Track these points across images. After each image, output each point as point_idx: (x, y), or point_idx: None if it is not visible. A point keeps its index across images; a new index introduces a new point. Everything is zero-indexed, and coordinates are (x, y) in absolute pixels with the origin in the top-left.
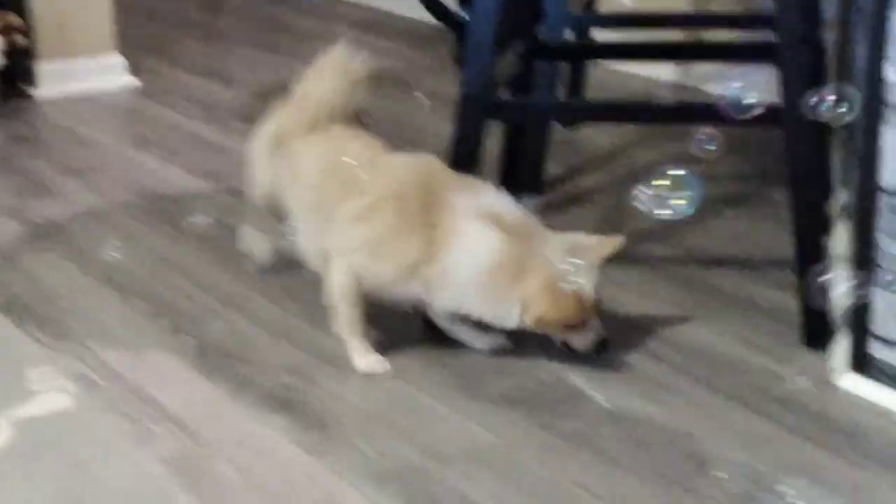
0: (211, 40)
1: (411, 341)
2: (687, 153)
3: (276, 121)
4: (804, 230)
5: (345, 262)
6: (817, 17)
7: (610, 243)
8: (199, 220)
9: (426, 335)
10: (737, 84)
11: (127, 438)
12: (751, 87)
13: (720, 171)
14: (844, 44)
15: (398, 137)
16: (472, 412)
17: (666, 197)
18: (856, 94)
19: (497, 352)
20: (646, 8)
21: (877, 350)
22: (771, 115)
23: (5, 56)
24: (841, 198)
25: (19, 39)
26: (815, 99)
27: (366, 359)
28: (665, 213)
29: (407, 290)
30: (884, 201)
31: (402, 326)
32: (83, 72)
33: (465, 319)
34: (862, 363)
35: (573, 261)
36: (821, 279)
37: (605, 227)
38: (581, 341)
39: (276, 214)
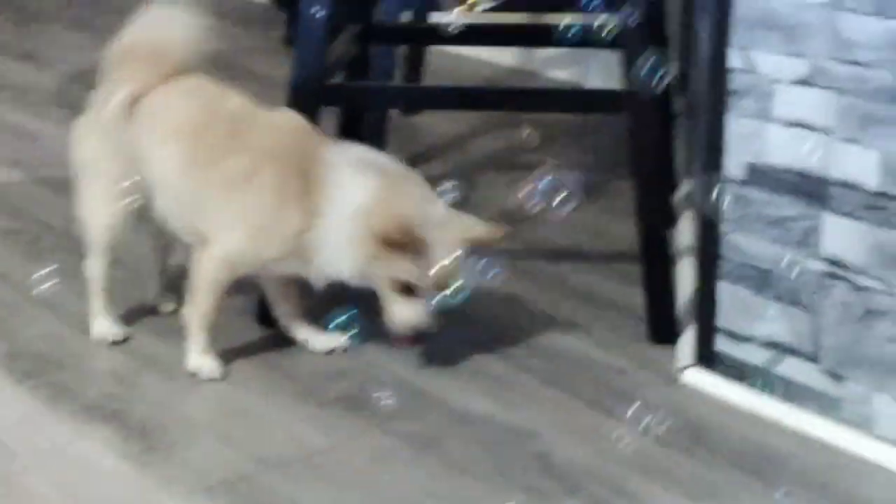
0: (21, 19)
1: (242, 341)
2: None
3: (126, 85)
4: (649, 221)
5: (222, 249)
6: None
7: (489, 229)
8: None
9: (258, 334)
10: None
11: None
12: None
13: (563, 162)
14: (687, 29)
15: None
16: (306, 416)
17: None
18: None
19: (335, 351)
20: None
21: (722, 344)
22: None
23: None
24: (685, 187)
25: None
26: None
27: (201, 359)
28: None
29: (287, 266)
30: (727, 190)
31: (233, 324)
32: None
33: (301, 318)
34: (708, 358)
35: (441, 214)
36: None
37: None
38: (407, 311)
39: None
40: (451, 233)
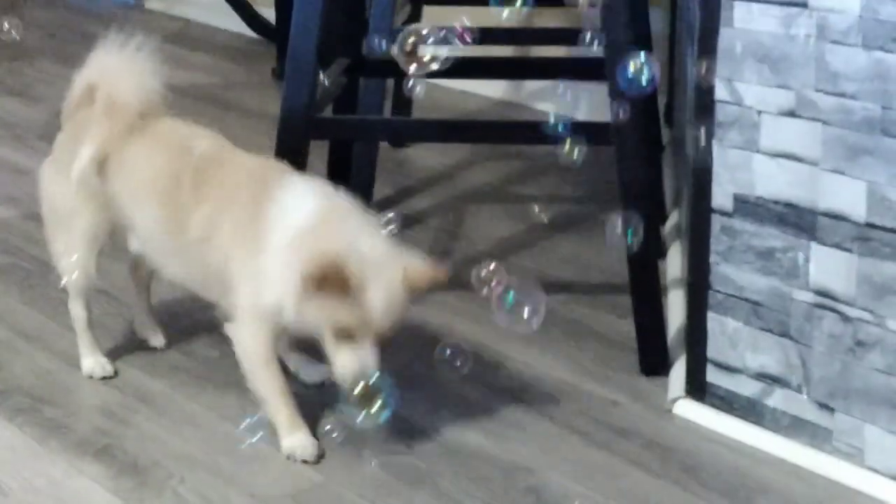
0: (9, 54)
1: (230, 373)
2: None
3: (90, 141)
4: (638, 253)
5: (241, 313)
6: (646, 31)
7: (430, 272)
8: None
9: None
10: None
11: None
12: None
13: (549, 193)
14: (674, 59)
15: None
16: None
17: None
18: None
19: (325, 385)
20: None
21: (712, 375)
22: (601, 133)
23: None
24: (673, 218)
25: None
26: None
27: (293, 438)
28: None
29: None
30: (716, 221)
31: (220, 357)
32: None
33: (294, 347)
34: (698, 389)
35: (382, 256)
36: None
37: (436, 250)
38: (346, 359)
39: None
40: (390, 273)
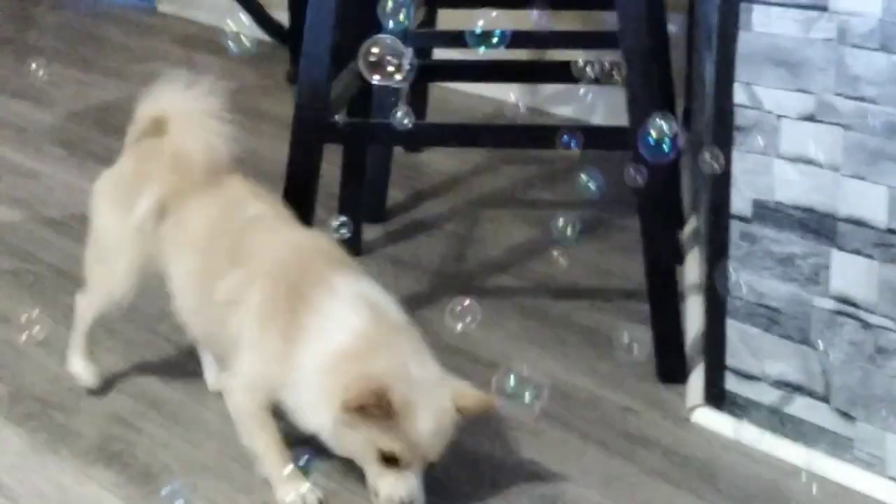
0: (21, 56)
1: None
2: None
3: (153, 192)
4: (656, 259)
5: (235, 377)
6: (664, 35)
7: (480, 399)
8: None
9: None
10: None
11: None
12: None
13: (566, 199)
14: (692, 63)
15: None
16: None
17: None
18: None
19: None
20: (487, 27)
21: (731, 383)
22: (617, 138)
23: None
24: (691, 223)
25: None
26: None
27: (292, 492)
28: None
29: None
30: (735, 227)
31: None
32: None
33: None
34: (717, 397)
35: (430, 379)
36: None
37: (450, 255)
38: (391, 487)
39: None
40: (438, 399)
